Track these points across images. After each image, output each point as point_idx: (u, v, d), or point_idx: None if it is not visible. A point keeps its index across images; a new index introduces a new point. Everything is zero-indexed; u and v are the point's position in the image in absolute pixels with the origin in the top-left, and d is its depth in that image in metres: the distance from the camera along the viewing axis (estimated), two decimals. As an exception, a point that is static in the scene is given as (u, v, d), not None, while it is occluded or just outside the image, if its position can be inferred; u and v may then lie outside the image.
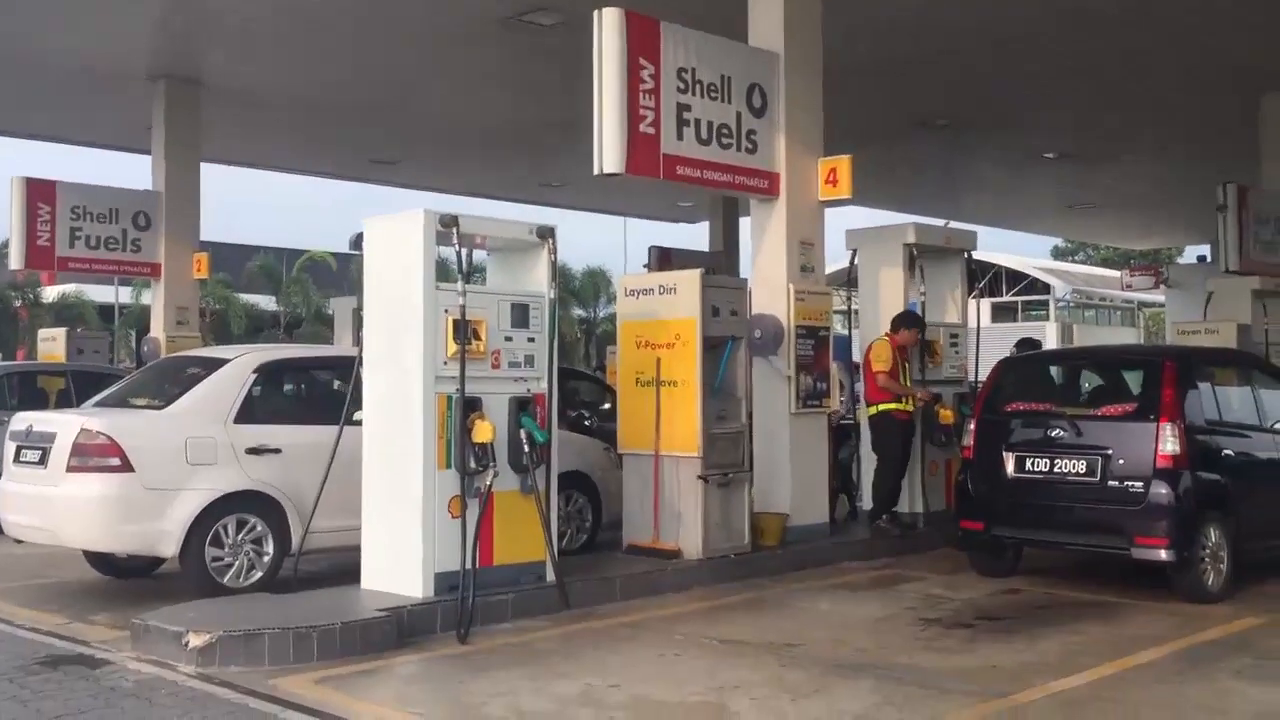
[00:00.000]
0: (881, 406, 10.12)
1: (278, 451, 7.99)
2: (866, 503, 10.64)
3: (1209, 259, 27.08)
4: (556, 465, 7.72)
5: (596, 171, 8.53)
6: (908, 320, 10.32)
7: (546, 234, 7.67)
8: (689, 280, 8.79)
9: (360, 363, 7.63)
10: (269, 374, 8.50)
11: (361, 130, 17.60)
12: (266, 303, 43.21)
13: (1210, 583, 7.93)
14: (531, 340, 7.58)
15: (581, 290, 43.59)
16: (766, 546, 9.16)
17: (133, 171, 21.23)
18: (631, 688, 5.86)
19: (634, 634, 7.09)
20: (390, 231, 7.48)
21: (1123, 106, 16.30)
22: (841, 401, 11.11)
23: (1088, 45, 13.38)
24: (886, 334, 10.28)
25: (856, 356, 11.35)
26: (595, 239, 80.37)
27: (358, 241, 7.97)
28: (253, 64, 14.30)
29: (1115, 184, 22.57)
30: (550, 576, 7.58)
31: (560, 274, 7.94)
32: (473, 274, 7.44)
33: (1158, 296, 36.43)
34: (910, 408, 10.17)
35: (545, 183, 21.77)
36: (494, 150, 19.09)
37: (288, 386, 9.16)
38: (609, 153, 8.42)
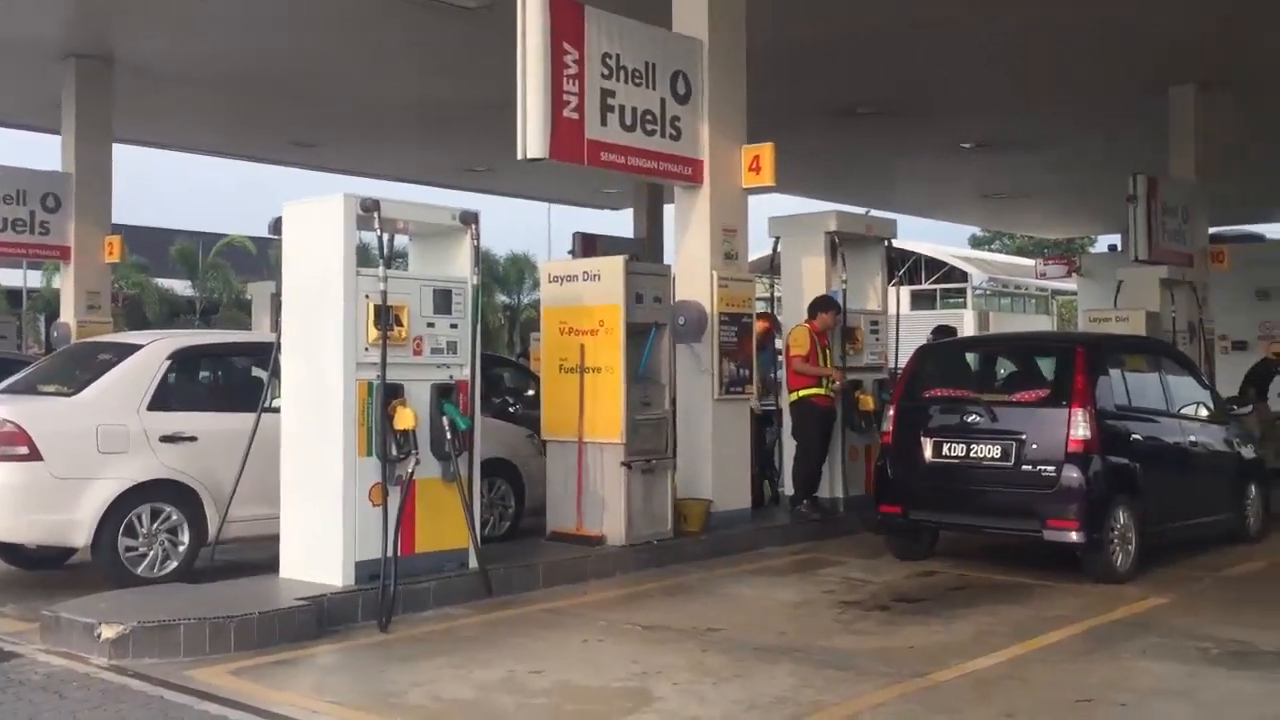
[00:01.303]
0: (802, 393, 10.24)
1: (193, 439, 7.84)
2: (788, 488, 10.77)
3: (1119, 248, 27.77)
4: (479, 452, 7.69)
5: (520, 157, 8.48)
6: (823, 304, 10.45)
7: (470, 219, 7.62)
8: (613, 267, 8.80)
9: (279, 349, 7.52)
10: (184, 360, 8.32)
11: (280, 111, 17.27)
12: (183, 288, 42.28)
13: (1119, 564, 8.16)
14: (454, 326, 7.53)
15: (505, 276, 43.35)
16: (689, 532, 9.22)
17: (40, 151, 20.67)
18: (554, 674, 5.87)
19: (557, 620, 7.10)
20: (310, 216, 7.37)
21: (1035, 97, 16.61)
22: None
23: (1000, 34, 13.60)
24: (805, 320, 10.40)
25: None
26: (519, 225, 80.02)
27: (277, 226, 7.85)
28: (166, 41, 13.94)
29: (1029, 174, 23.01)
30: (473, 564, 7.55)
31: (484, 260, 7.88)
32: (394, 259, 7.35)
33: (1070, 285, 37.20)
34: (830, 392, 10.30)
35: (469, 168, 21.59)
36: (417, 134, 18.87)
37: (204, 373, 8.98)
38: (532, 138, 8.37)
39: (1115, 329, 13.70)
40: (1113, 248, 31.10)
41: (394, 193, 12.26)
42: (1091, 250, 35.95)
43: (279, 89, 15.98)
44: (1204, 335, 15.84)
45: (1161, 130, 16.03)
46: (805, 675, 5.80)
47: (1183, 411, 9.37)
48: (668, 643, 6.55)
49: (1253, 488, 9.89)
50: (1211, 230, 17.78)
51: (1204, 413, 9.60)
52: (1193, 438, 9.30)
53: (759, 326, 10.53)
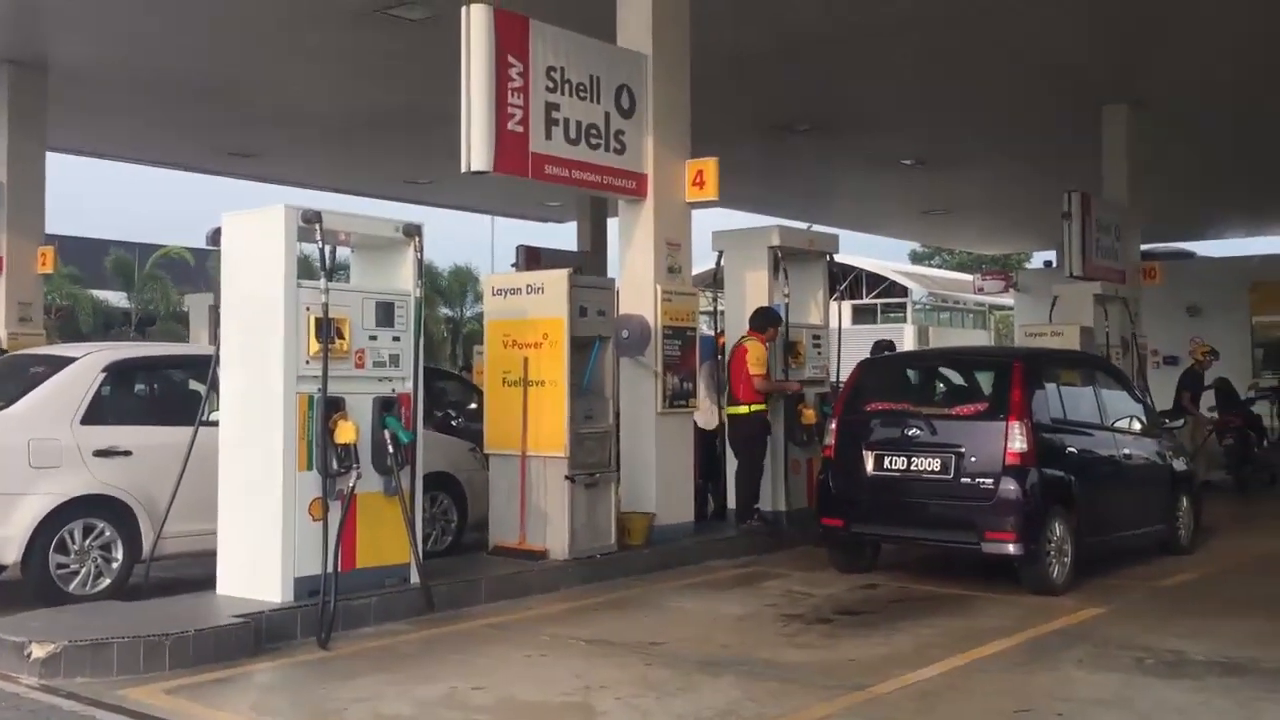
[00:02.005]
0: (754, 407, 10.29)
1: (128, 454, 7.70)
2: (733, 501, 10.82)
3: (1055, 264, 28.29)
4: (421, 466, 7.63)
5: (464, 169, 8.46)
6: (774, 318, 10.54)
7: (413, 232, 7.57)
8: (557, 280, 8.79)
9: (217, 361, 7.41)
10: (119, 373, 8.17)
11: (219, 120, 17.03)
12: (118, 299, 41.48)
13: (1055, 575, 8.27)
14: (396, 339, 7.46)
15: (448, 289, 43.09)
16: (633, 546, 9.21)
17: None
18: (497, 689, 5.83)
19: (500, 635, 7.06)
20: (250, 227, 7.27)
21: (973, 114, 16.89)
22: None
23: (936, 52, 13.81)
24: (753, 334, 10.41)
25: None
26: (462, 237, 79.55)
27: (215, 237, 7.73)
28: (102, 47, 13.72)
29: (968, 190, 23.38)
30: (415, 579, 7.48)
31: (426, 272, 7.83)
32: (336, 271, 7.29)
33: (1007, 300, 37.84)
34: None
35: (412, 180, 21.47)
36: (359, 145, 18.72)
37: (139, 386, 8.81)
38: (477, 151, 8.36)
39: (1051, 343, 13.93)
40: (1048, 263, 31.69)
41: (336, 204, 12.18)
42: (1028, 266, 36.56)
43: (217, 97, 15.78)
44: (1137, 349, 16.16)
45: (1095, 148, 16.37)
46: (748, 688, 5.82)
47: (1117, 425, 9.54)
48: (611, 657, 6.54)
49: (1184, 500, 10.09)
50: (1143, 247, 18.18)
51: (1137, 426, 9.79)
52: (1126, 450, 9.47)
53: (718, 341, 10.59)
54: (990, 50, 13.79)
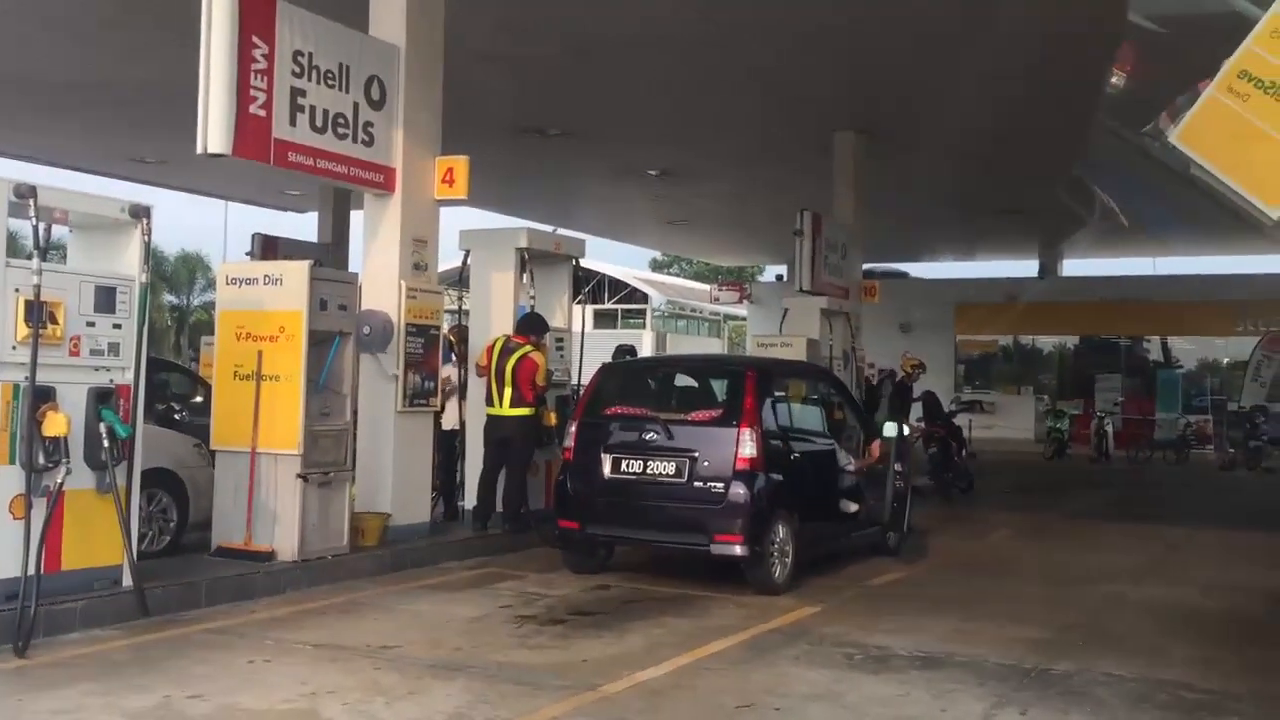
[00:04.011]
0: (531, 411, 10.27)
1: None
2: (469, 503, 10.77)
3: (786, 278, 29.72)
4: (140, 462, 7.21)
5: (200, 151, 8.04)
6: (546, 325, 10.65)
7: (140, 213, 7.13)
8: (296, 271, 8.50)
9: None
10: None
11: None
12: None
13: (778, 576, 8.68)
14: (117, 327, 7.02)
15: (175, 276, 40.82)
16: (366, 547, 9.03)
17: None
18: (216, 698, 5.57)
19: (221, 641, 6.75)
20: (-49, 198, 6.65)
21: (717, 131, 17.55)
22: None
23: (686, 70, 14.27)
24: (528, 339, 10.36)
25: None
26: (192, 222, 74.87)
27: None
28: None
29: (708, 203, 24.25)
30: (128, 581, 7.05)
31: (153, 257, 7.39)
32: (50, 251, 6.78)
33: (741, 310, 39.46)
34: None
35: (137, 158, 20.18)
36: (82, 118, 17.42)
37: None
38: (214, 133, 7.96)
39: (781, 354, 14.65)
40: (780, 277, 33.28)
41: (49, 179, 11.29)
42: (761, 279, 38.22)
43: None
44: (856, 362, 17.22)
45: (827, 171, 17.32)
46: (480, 691, 5.81)
47: (836, 433, 10.10)
48: (339, 661, 6.37)
49: (895, 504, 10.78)
50: (864, 266, 19.38)
51: (855, 435, 10.39)
52: (844, 457, 10.02)
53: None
54: (736, 73, 14.36)
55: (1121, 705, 5.91)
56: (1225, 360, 31.84)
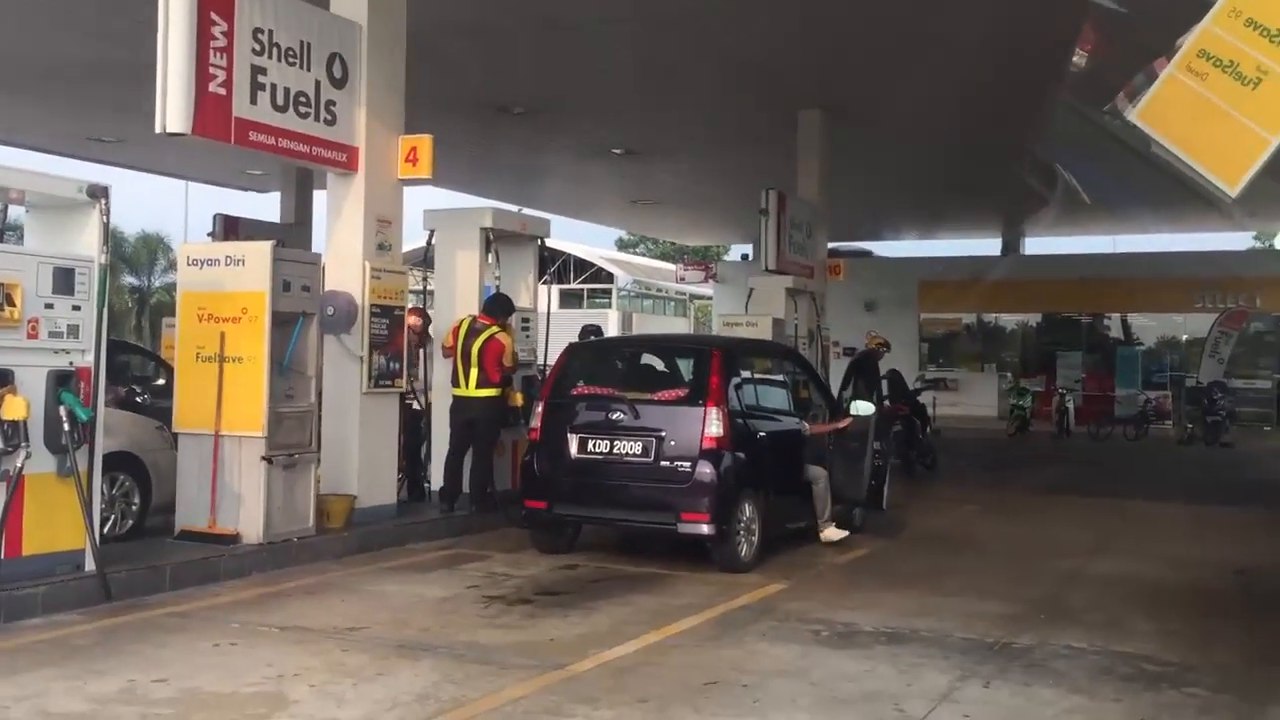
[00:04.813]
0: (497, 392, 10.26)
1: None
2: (436, 483, 10.75)
3: (751, 258, 29.78)
4: (101, 445, 7.14)
5: (159, 130, 7.92)
6: (512, 305, 10.62)
7: (99, 193, 7.04)
8: (259, 252, 8.42)
9: None
10: None
11: None
12: None
13: (744, 553, 8.72)
14: (77, 309, 6.94)
15: (134, 257, 40.33)
16: (332, 529, 8.99)
17: None
18: (181, 681, 5.54)
19: (185, 624, 6.71)
20: (-98, 178, 6.55)
21: (683, 110, 17.51)
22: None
23: (651, 48, 14.22)
24: (495, 321, 10.34)
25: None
26: (152, 202, 73.93)
27: None
28: None
29: (673, 182, 24.20)
30: (90, 566, 6.99)
31: (112, 238, 7.30)
32: (7, 232, 6.68)
33: (707, 290, 39.53)
34: None
35: (95, 137, 19.88)
36: (38, 96, 17.13)
37: None
38: (174, 112, 7.84)
39: (746, 333, 14.68)
40: (745, 257, 33.32)
41: (8, 159, 11.10)
42: (726, 258, 38.27)
43: None
44: (821, 341, 17.28)
45: (792, 149, 17.33)
46: (448, 671, 5.81)
47: (802, 411, 10.15)
48: (306, 644, 6.35)
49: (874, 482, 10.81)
50: (829, 245, 19.45)
51: (823, 413, 10.45)
52: (810, 436, 10.07)
53: (414, 321, 10.44)
54: (700, 51, 14.33)
55: (1084, 677, 6.00)
56: (1184, 337, 32.28)
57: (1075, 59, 6.12)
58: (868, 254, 33.14)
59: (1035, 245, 33.09)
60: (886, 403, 16.26)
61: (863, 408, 10.14)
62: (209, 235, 15.99)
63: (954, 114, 16.92)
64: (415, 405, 10.85)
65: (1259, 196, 5.13)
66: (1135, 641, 6.81)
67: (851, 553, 9.67)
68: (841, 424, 9.94)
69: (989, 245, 33.13)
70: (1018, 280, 30.18)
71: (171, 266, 36.56)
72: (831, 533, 9.68)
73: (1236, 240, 28.93)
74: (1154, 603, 8.00)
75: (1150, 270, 29.16)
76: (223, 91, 8.17)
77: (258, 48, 8.48)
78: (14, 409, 6.45)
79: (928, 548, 10.30)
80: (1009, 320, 34.39)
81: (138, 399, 10.71)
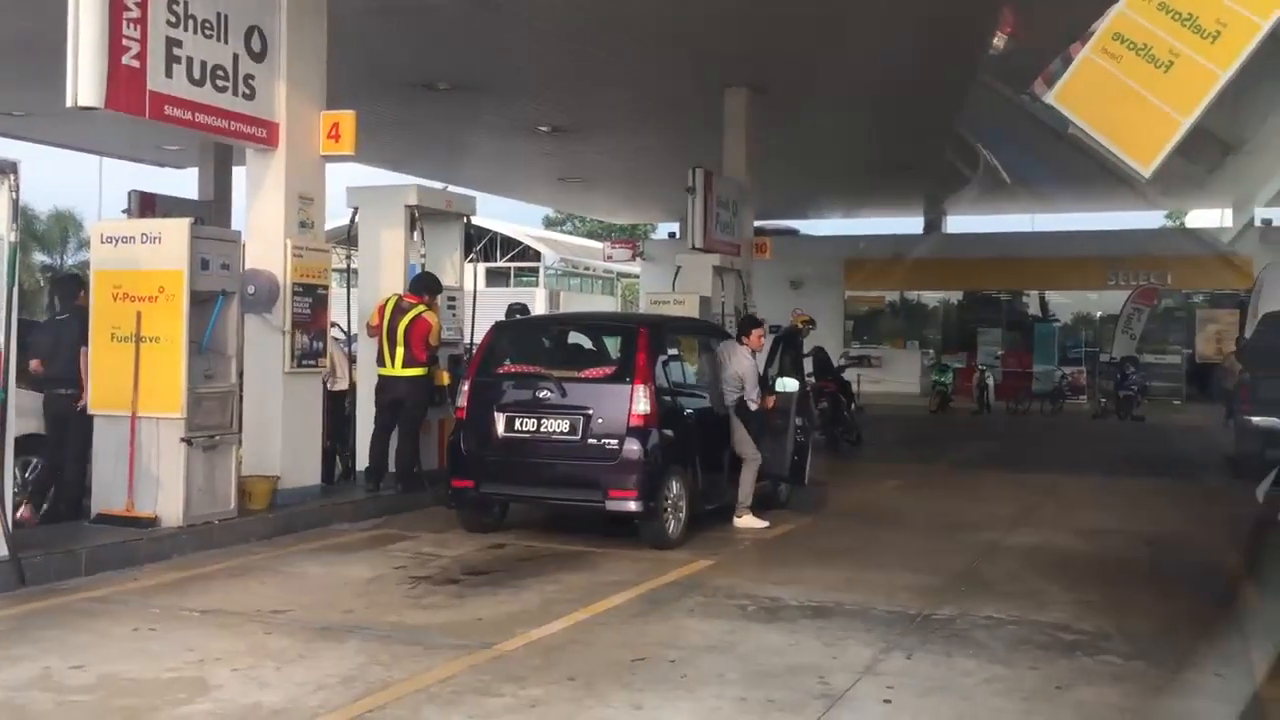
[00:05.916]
0: (423, 371, 10.17)
1: None
2: (360, 463, 10.64)
3: (678, 236, 29.82)
4: (14, 428, 6.95)
5: (70, 104, 7.69)
6: (439, 284, 10.51)
7: (8, 169, 6.82)
8: (176, 229, 8.24)
9: None
10: None
11: None
12: None
13: (671, 530, 8.78)
14: (-16, 288, 6.73)
15: (46, 234, 39.21)
16: (255, 510, 8.87)
17: None
18: (99, 667, 5.44)
19: (103, 609, 6.58)
20: None
21: (609, 87, 17.43)
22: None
23: (578, 23, 14.10)
24: (421, 299, 10.24)
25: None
26: (64, 178, 71.75)
27: None
28: None
29: (601, 160, 24.11)
30: (3, 550, 6.82)
31: (21, 215, 7.09)
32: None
33: (634, 268, 39.51)
34: None
35: (3, 111, 19.25)
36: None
37: None
38: (85, 85, 7.62)
39: (674, 311, 14.71)
40: (672, 235, 33.36)
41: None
42: (653, 236, 38.28)
43: None
44: (748, 319, 17.27)
45: (719, 127, 17.36)
46: (374, 653, 5.77)
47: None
48: (228, 627, 6.27)
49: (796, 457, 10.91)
50: (755, 223, 19.55)
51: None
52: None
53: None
54: (627, 27, 14.26)
55: (1002, 647, 6.14)
56: (1099, 314, 33.03)
57: (995, 42, 6.22)
58: (794, 232, 33.38)
59: (957, 224, 33.63)
60: (812, 379, 16.47)
61: (788, 384, 10.23)
62: (125, 212, 15.59)
63: (877, 93, 17.06)
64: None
65: (1171, 177, 5.25)
66: (1052, 611, 6.98)
67: (777, 528, 9.77)
68: (768, 402, 10.01)
69: (912, 224, 33.56)
70: (940, 258, 30.63)
71: (85, 244, 35.62)
72: (748, 520, 9.67)
73: (1149, 219, 29.58)
74: (1070, 573, 8.20)
75: (1067, 248, 29.76)
76: (136, 64, 7.95)
77: (173, 19, 8.27)
78: (-80, 391, 6.25)
79: (852, 522, 10.44)
80: (931, 298, 34.90)
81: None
